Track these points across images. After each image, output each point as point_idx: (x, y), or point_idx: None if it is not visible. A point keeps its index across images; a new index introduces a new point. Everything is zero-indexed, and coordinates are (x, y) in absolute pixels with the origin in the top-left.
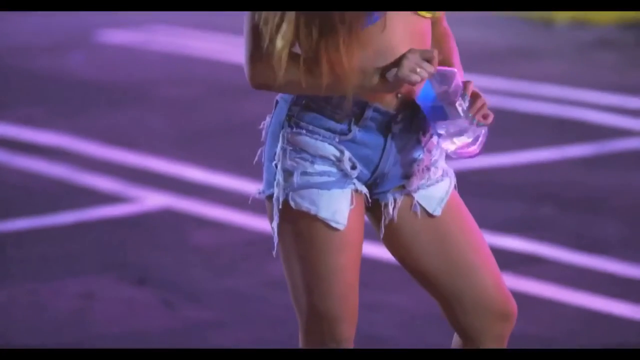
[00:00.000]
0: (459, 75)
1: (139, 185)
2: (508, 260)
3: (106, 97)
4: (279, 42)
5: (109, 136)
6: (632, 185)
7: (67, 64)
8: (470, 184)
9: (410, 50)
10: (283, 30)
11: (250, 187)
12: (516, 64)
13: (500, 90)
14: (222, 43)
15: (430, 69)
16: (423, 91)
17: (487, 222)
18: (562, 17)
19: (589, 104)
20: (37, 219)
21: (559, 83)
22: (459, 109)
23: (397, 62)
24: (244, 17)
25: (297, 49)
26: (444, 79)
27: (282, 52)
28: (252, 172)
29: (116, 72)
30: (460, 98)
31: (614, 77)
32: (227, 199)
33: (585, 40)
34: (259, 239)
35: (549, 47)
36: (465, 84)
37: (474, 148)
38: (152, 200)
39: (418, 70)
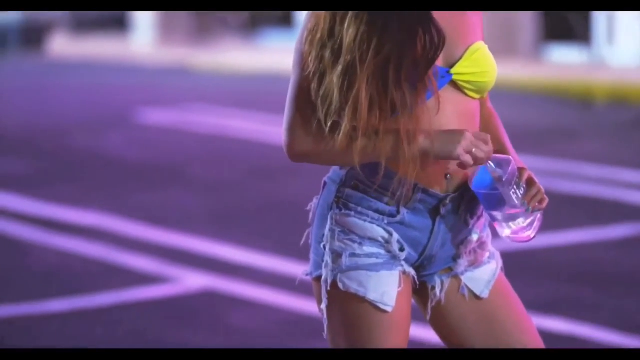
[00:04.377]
0: (514, 162)
1: (177, 265)
2: (547, 342)
3: (145, 177)
4: (344, 123)
5: (147, 216)
6: None
7: (105, 143)
8: (508, 265)
9: (466, 131)
10: (346, 114)
11: (289, 267)
12: (556, 144)
13: (540, 170)
14: (259, 123)
15: (485, 149)
16: (478, 177)
17: (526, 303)
18: (601, 97)
19: (629, 184)
20: (74, 299)
21: (598, 163)
22: (514, 196)
23: (455, 138)
24: (289, 84)
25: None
26: (500, 166)
27: (344, 130)
28: (291, 252)
29: (154, 151)
30: (515, 186)
31: None
32: (266, 279)
33: (624, 120)
34: (299, 320)
35: (589, 127)
36: (521, 171)
37: (529, 233)
38: (191, 280)
39: (473, 150)
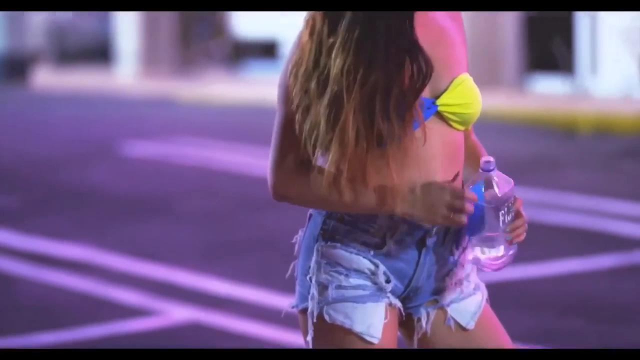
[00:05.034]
0: (513, 186)
1: (164, 298)
2: None
3: (131, 210)
4: (331, 154)
5: (134, 249)
6: None
7: (91, 176)
8: (497, 295)
9: (445, 194)
10: (333, 145)
11: (277, 300)
12: (541, 174)
13: (525, 201)
14: (247, 155)
15: (464, 207)
16: (473, 189)
17: (513, 334)
18: (585, 128)
19: (614, 215)
20: (62, 333)
21: (583, 193)
22: (500, 219)
23: (435, 207)
24: (274, 122)
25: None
26: (498, 183)
27: (332, 159)
28: (279, 285)
29: (141, 184)
30: (505, 208)
31: (638, 187)
32: (252, 312)
33: (608, 150)
34: None
35: (573, 158)
36: (514, 199)
37: (499, 263)
38: (178, 313)
39: (452, 216)
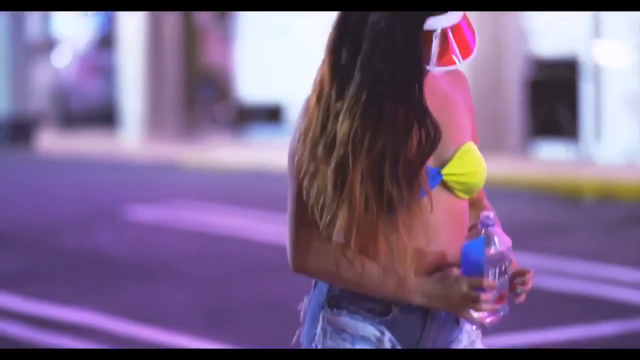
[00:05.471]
0: (510, 249)
1: None
2: None
3: (134, 274)
4: (337, 226)
5: (137, 313)
6: None
7: (95, 240)
8: None
9: (455, 285)
10: (341, 211)
11: None
12: (544, 240)
13: (529, 267)
14: (250, 219)
15: (479, 297)
16: (475, 243)
17: None
18: (589, 194)
19: (618, 282)
20: None
21: (586, 260)
22: (490, 277)
23: (452, 301)
24: (287, 192)
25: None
26: (495, 242)
27: (339, 225)
28: None
29: (144, 249)
30: (497, 268)
31: None
32: None
33: (612, 217)
34: None
35: (577, 224)
36: (510, 262)
37: (486, 320)
38: None
39: (471, 305)
